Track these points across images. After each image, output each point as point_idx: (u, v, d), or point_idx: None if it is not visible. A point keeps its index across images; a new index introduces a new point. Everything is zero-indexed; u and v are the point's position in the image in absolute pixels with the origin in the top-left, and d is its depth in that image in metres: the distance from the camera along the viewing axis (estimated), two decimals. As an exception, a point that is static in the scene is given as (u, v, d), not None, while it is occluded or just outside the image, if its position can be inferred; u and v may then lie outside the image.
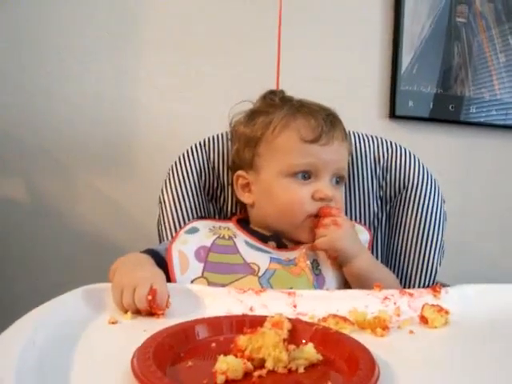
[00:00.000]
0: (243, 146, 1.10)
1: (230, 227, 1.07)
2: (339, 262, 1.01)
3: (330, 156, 1.04)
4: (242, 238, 1.03)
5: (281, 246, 1.05)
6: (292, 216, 1.03)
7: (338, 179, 1.07)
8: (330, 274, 1.01)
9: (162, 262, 0.96)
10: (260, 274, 0.96)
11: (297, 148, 1.03)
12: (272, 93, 1.15)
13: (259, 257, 0.99)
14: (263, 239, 1.05)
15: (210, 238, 1.02)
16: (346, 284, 1.03)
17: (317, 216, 1.03)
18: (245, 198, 1.10)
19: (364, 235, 1.11)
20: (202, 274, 0.96)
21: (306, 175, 1.03)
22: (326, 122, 1.05)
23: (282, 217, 1.05)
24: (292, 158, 1.03)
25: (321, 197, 1.02)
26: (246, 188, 1.10)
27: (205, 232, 1.04)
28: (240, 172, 1.11)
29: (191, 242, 1.01)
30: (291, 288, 0.89)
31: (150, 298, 0.75)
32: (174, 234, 1.11)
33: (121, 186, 1.71)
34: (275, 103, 1.11)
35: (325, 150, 1.03)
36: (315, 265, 1.01)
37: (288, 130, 1.05)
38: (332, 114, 1.09)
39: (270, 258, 0.99)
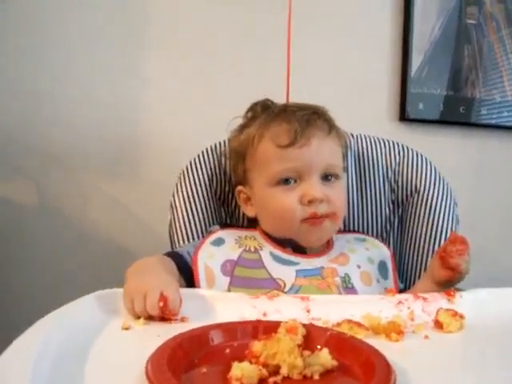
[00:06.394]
0: (236, 161, 1.11)
1: (256, 237, 1.06)
2: (447, 281, 0.95)
3: (311, 156, 1.01)
4: (267, 250, 1.02)
5: (298, 250, 1.04)
6: (286, 224, 1.02)
7: (330, 176, 1.03)
8: (361, 288, 1.00)
9: (185, 265, 0.96)
10: (286, 289, 0.96)
11: (275, 156, 1.01)
12: (256, 104, 1.13)
13: (285, 271, 0.98)
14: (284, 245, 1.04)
15: (236, 251, 1.01)
16: None
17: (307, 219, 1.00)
18: (248, 211, 1.10)
19: (384, 250, 1.11)
20: (228, 288, 0.96)
21: (290, 181, 1.01)
22: (300, 122, 1.01)
23: (278, 226, 1.04)
24: (272, 166, 1.01)
25: (308, 200, 0.99)
26: (248, 202, 1.09)
27: (231, 244, 1.03)
28: (239, 187, 1.11)
29: (217, 256, 1.00)
30: None
31: (161, 304, 0.75)
32: (185, 238, 1.12)
33: (131, 190, 1.71)
34: (257, 114, 1.10)
35: (304, 152, 1.00)
36: (347, 279, 1.00)
37: (264, 140, 1.03)
38: (311, 112, 1.05)
39: (296, 271, 0.99)
